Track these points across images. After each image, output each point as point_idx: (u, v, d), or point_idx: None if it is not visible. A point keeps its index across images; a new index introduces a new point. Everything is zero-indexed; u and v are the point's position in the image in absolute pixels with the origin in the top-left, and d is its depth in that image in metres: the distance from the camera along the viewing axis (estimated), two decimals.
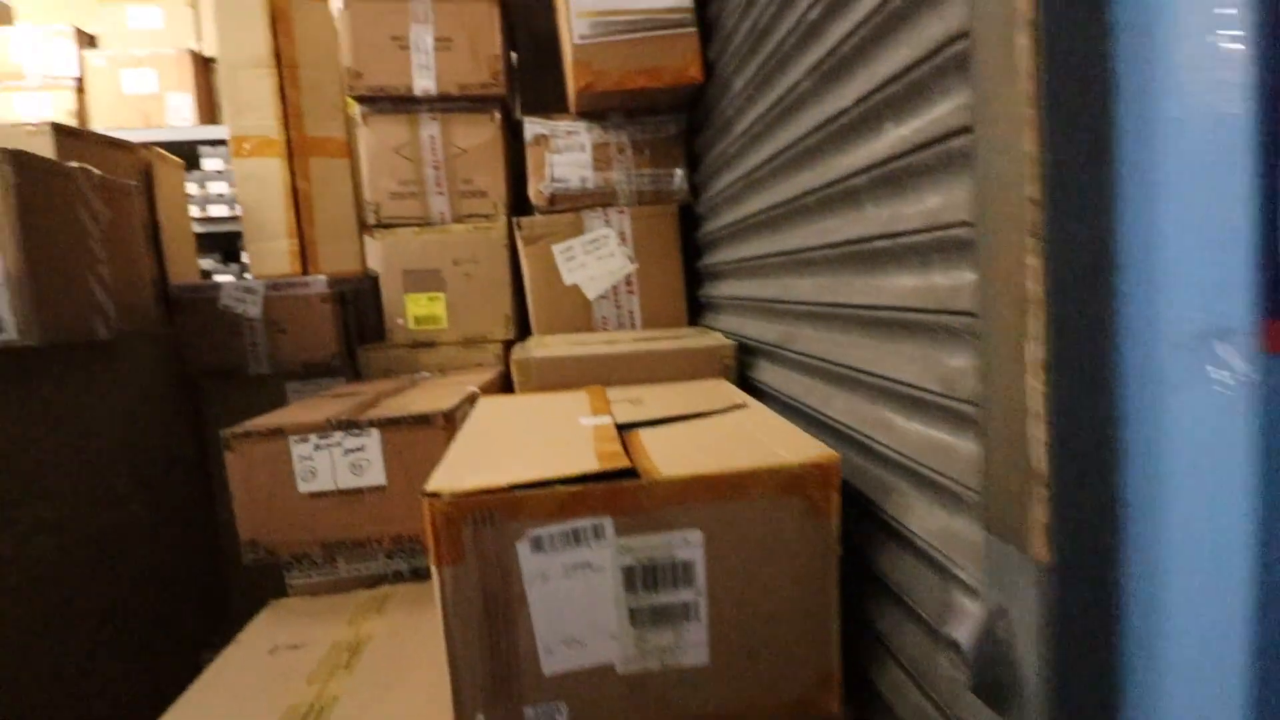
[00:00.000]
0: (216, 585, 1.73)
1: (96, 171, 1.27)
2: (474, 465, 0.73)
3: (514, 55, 2.04)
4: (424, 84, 1.64)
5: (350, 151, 1.81)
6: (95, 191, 1.27)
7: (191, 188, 2.84)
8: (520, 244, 1.56)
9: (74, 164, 1.22)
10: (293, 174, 1.75)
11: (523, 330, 1.68)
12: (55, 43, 2.97)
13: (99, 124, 2.95)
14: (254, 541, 1.17)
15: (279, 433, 1.13)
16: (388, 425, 1.11)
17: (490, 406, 1.05)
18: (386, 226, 1.65)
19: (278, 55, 1.74)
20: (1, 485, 1.15)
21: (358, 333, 1.77)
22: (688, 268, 1.62)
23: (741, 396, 0.99)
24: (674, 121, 1.57)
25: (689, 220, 1.65)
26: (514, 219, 1.59)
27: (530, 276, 1.55)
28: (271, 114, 1.74)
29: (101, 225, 1.28)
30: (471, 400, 1.25)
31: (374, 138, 1.66)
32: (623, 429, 0.86)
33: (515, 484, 0.64)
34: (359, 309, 1.78)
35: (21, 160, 1.07)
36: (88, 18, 3.08)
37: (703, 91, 1.46)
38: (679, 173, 1.57)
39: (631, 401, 1.00)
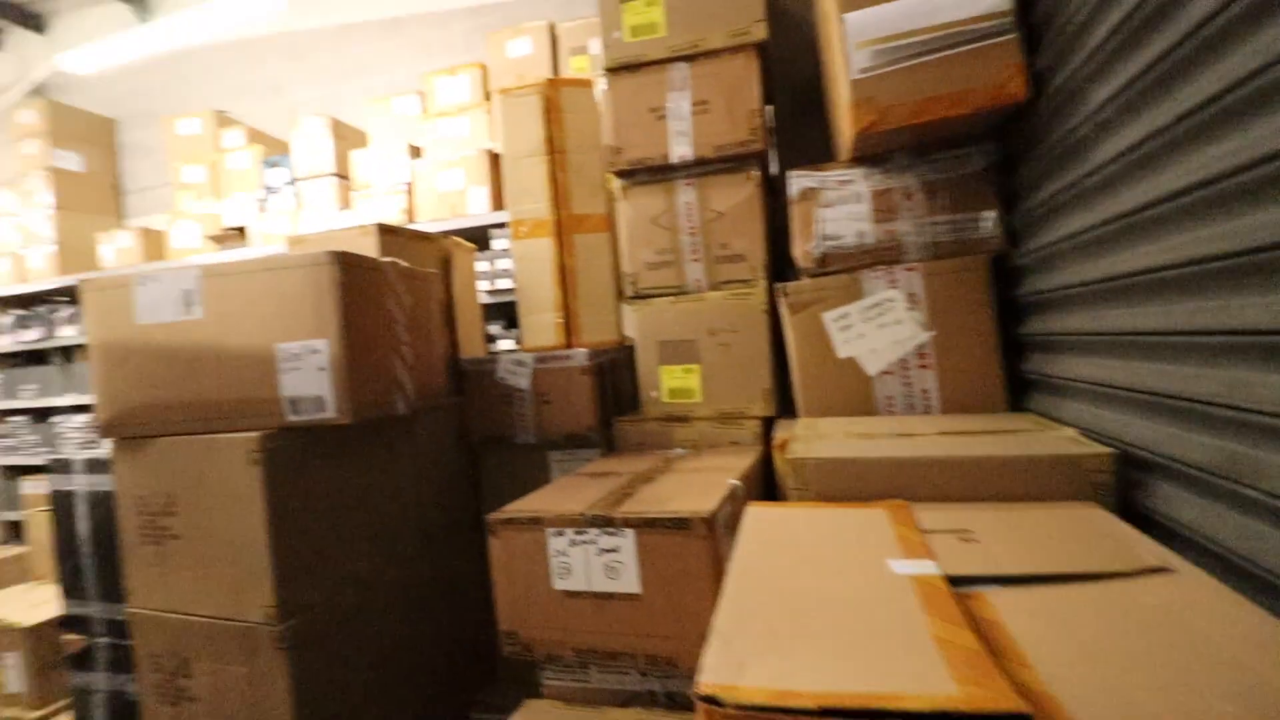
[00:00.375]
0: (486, 645, 1.79)
1: (404, 264, 1.42)
2: (757, 641, 0.54)
3: (769, 110, 1.92)
4: (680, 150, 1.59)
5: (610, 225, 1.84)
6: (402, 281, 1.41)
7: (483, 265, 3.26)
8: (784, 312, 1.38)
9: (386, 259, 1.37)
10: (560, 251, 1.82)
11: (784, 407, 1.48)
12: (396, 158, 3.70)
13: (421, 217, 3.57)
14: (512, 633, 1.13)
15: (537, 522, 1.08)
16: (644, 527, 0.99)
17: (763, 526, 0.86)
18: (643, 297, 1.61)
19: (550, 144, 1.85)
20: (321, 543, 1.29)
21: (613, 402, 1.74)
22: (1003, 335, 1.27)
23: (1150, 548, 0.65)
24: (980, 154, 1.27)
25: (1003, 275, 1.30)
26: (777, 284, 1.42)
27: (796, 349, 1.36)
28: (544, 197, 1.84)
29: (405, 310, 1.42)
30: (733, 499, 1.07)
31: (632, 210, 1.64)
32: (956, 584, 0.60)
33: (828, 707, 0.43)
34: (615, 379, 1.76)
35: (345, 260, 1.21)
36: (416, 133, 3.80)
37: (1025, 112, 1.14)
38: (989, 216, 1.25)
39: (958, 535, 0.73)
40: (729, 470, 1.20)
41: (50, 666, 2.09)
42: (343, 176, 3.92)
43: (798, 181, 1.40)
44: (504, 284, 3.28)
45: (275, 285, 1.22)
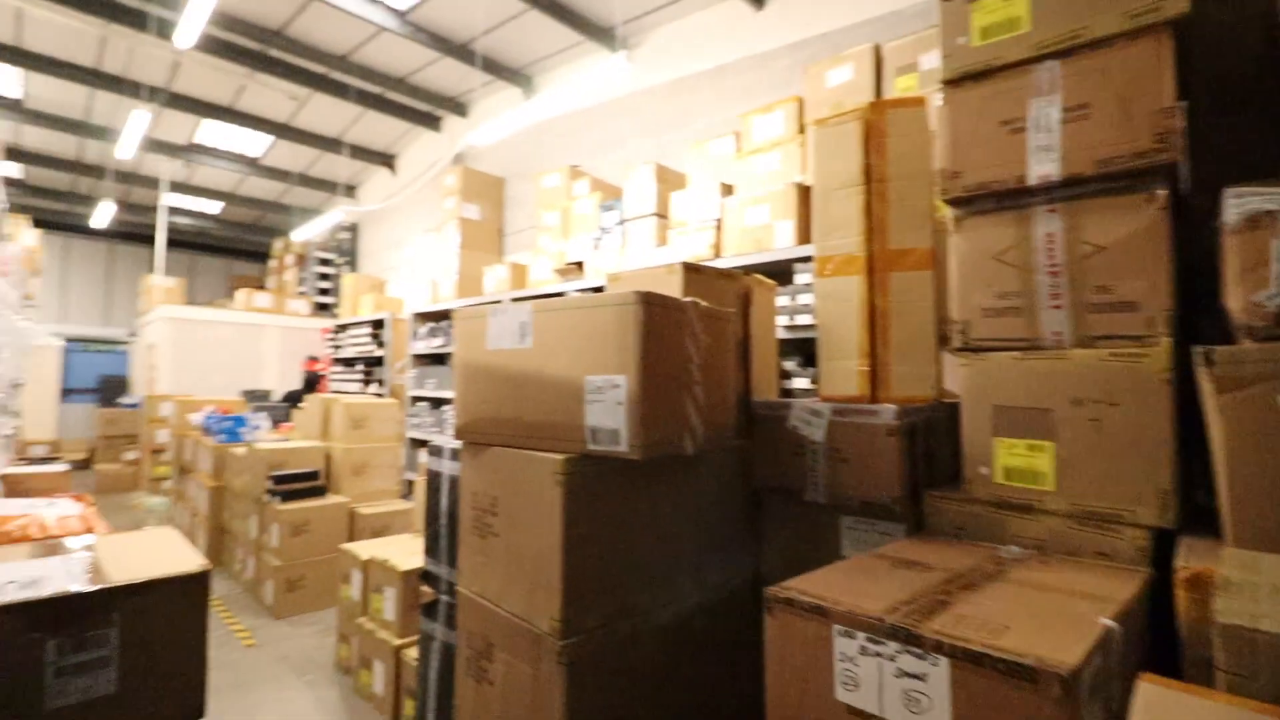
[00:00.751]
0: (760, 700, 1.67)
1: (703, 303, 1.40)
2: None
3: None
4: (1042, 169, 1.27)
5: (935, 262, 1.58)
6: (701, 320, 1.40)
7: (783, 300, 3.18)
8: (1207, 387, 0.97)
9: (688, 299, 1.37)
10: (871, 290, 1.63)
11: (1193, 516, 1.05)
12: (708, 197, 3.88)
13: (728, 251, 3.67)
14: None
15: (822, 614, 0.93)
16: (965, 661, 0.76)
17: None
18: (976, 350, 1.32)
19: (868, 173, 1.68)
20: (603, 570, 1.32)
21: (925, 472, 1.47)
22: None
23: None
24: None
25: None
26: (1194, 348, 1.01)
27: (1227, 442, 0.94)
28: (857, 230, 1.67)
29: (701, 350, 1.40)
30: (1105, 649, 0.76)
31: (968, 244, 1.37)
32: None
33: None
34: (930, 444, 1.48)
35: (649, 300, 1.23)
36: (729, 173, 3.93)
37: None
38: None
39: None
40: (1098, 600, 0.87)
41: (412, 607, 2.62)
42: (662, 216, 4.27)
43: (1241, 203, 0.98)
44: (804, 319, 3.15)
45: (589, 321, 1.30)
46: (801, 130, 3.58)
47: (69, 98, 7.40)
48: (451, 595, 1.97)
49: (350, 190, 10.21)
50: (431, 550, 2.10)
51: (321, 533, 3.80)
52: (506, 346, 1.47)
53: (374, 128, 8.24)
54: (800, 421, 1.58)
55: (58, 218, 10.76)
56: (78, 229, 11.14)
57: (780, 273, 3.48)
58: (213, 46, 6.00)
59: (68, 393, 10.39)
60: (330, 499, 3.94)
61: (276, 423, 5.49)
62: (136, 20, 5.68)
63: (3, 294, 2.10)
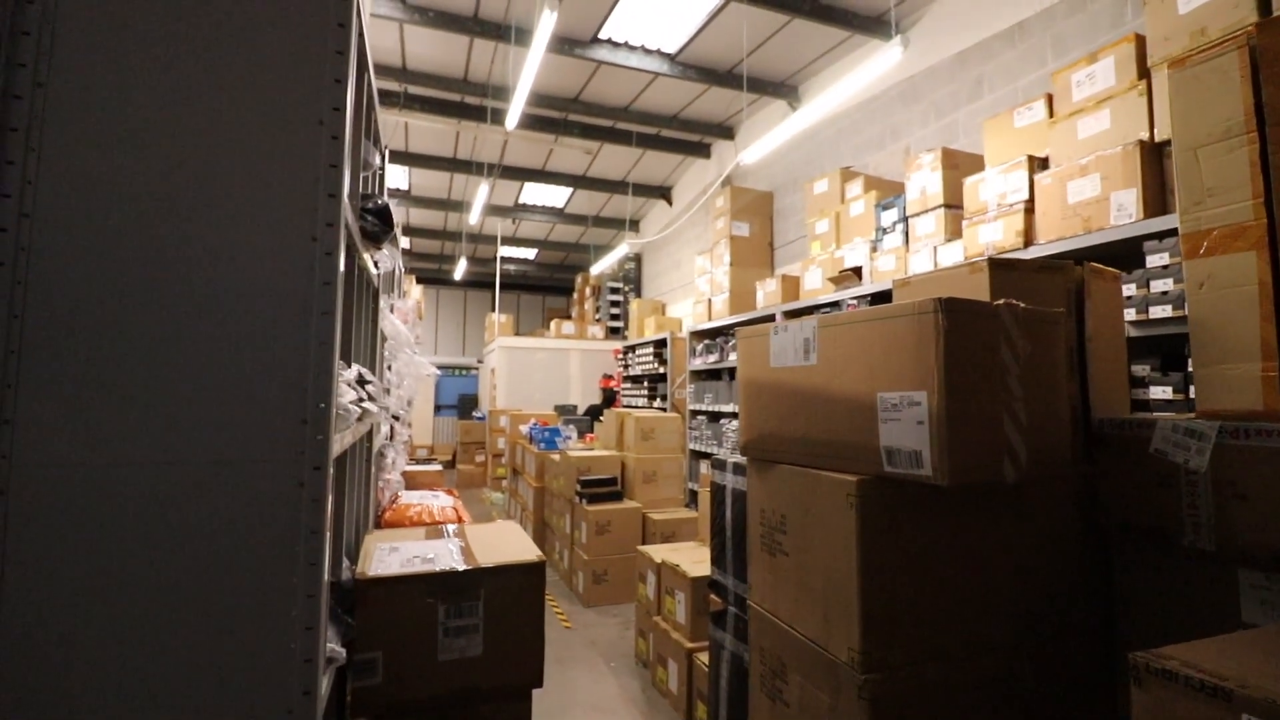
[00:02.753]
0: None
1: (1020, 305, 1.20)
2: None
3: None
4: None
5: None
6: (1017, 326, 1.20)
7: (1129, 289, 2.57)
8: None
9: (999, 302, 1.18)
10: (1275, 273, 1.21)
11: None
12: (1012, 175, 3.35)
13: (1044, 236, 3.12)
14: None
15: (1225, 697, 0.71)
16: None
17: None
18: None
19: (1259, 115, 1.26)
20: (908, 605, 1.21)
21: None
22: None
23: None
24: None
25: None
26: None
27: None
28: (1246, 192, 1.27)
29: (1020, 360, 1.20)
30: None
31: None
32: None
33: None
34: None
35: (950, 307, 1.10)
36: (1039, 144, 3.34)
37: None
38: None
39: None
40: None
41: (700, 613, 2.73)
42: (953, 206, 3.82)
43: None
44: (1160, 312, 2.49)
45: (880, 335, 1.22)
46: (1142, 76, 2.88)
47: (437, 183, 9.64)
48: (738, 607, 2.01)
49: (634, 224, 11.33)
50: (718, 561, 2.16)
51: (621, 533, 4.23)
52: (790, 364, 1.45)
53: (652, 165, 9.03)
54: (1170, 444, 1.25)
55: (431, 274, 14.04)
56: (444, 282, 14.39)
57: (1121, 256, 2.84)
58: (528, 122, 7.25)
59: (439, 408, 13.47)
60: (627, 503, 4.37)
61: (582, 433, 6.30)
62: (479, 115, 7.17)
63: (406, 336, 2.81)
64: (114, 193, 1.03)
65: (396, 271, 3.50)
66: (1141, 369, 2.58)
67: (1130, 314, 2.56)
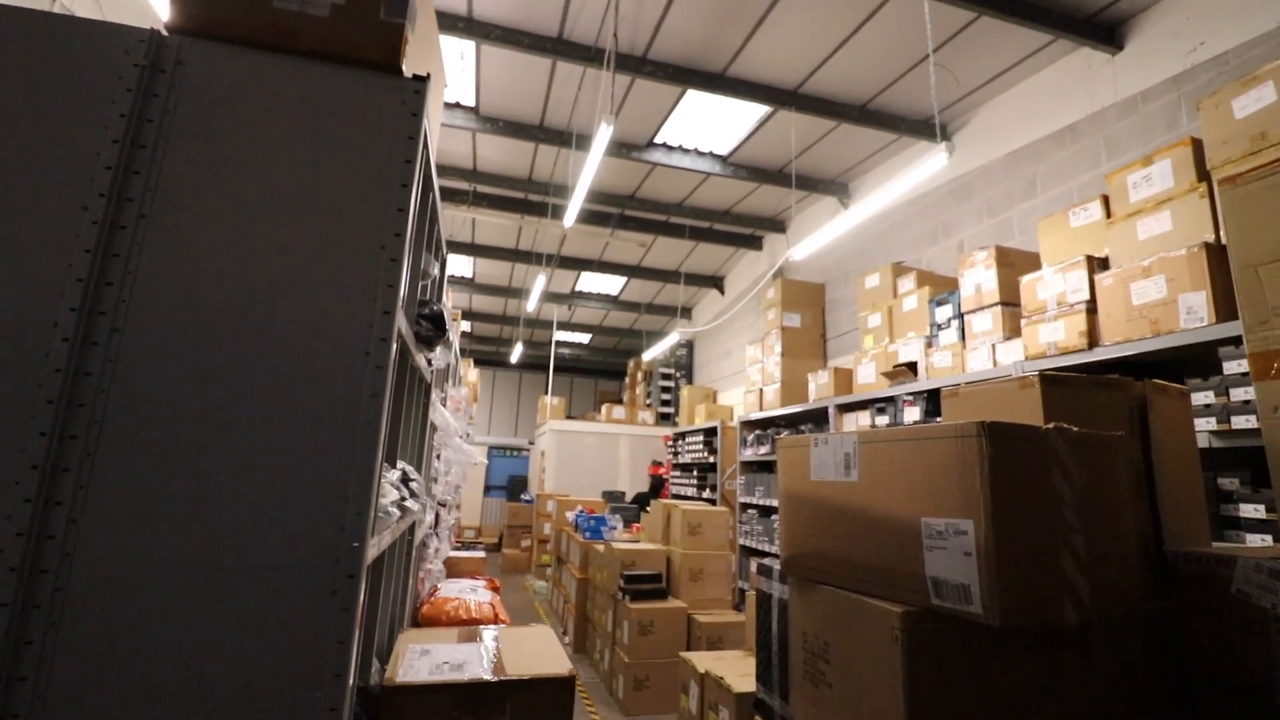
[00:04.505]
0: None
1: (1073, 430, 1.15)
2: None
3: None
4: None
5: None
6: (1071, 451, 1.14)
7: (1208, 396, 2.41)
8: None
9: (1049, 426, 1.13)
10: None
11: None
12: (1071, 275, 3.27)
13: (1109, 338, 2.99)
14: None
15: None
16: None
17: None
18: None
19: None
20: None
21: None
22: None
23: None
24: None
25: None
26: None
27: None
28: None
29: (1076, 488, 1.13)
30: None
31: None
32: None
33: None
34: None
35: (996, 432, 1.06)
36: (1098, 244, 3.28)
37: None
38: None
39: None
40: None
41: None
42: (1010, 304, 3.75)
43: None
44: (1243, 422, 2.32)
45: (923, 455, 1.18)
46: (1202, 179, 2.82)
47: (499, 271, 10.17)
48: None
49: (686, 312, 11.53)
50: (763, 678, 2.03)
51: (664, 634, 4.04)
52: (830, 478, 1.41)
53: (704, 256, 9.29)
54: (1254, 586, 1.13)
55: (487, 357, 14.53)
56: (500, 364, 14.85)
57: (1196, 360, 2.69)
58: (586, 217, 7.65)
59: (489, 489, 13.53)
60: (671, 602, 4.20)
61: (628, 523, 6.18)
62: (540, 210, 7.63)
63: (454, 427, 2.89)
64: (188, 316, 1.13)
65: (452, 363, 3.65)
66: (1229, 483, 2.37)
67: (1210, 424, 2.39)
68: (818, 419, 5.36)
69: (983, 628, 1.05)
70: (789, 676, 1.74)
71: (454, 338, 3.73)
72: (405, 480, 1.63)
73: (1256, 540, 2.25)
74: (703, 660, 2.99)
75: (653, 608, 4.08)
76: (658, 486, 8.69)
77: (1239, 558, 1.17)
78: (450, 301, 5.85)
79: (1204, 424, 2.41)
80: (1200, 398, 2.43)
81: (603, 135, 4.40)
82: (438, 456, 2.87)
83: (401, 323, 1.39)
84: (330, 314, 1.18)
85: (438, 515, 3.18)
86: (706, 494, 7.41)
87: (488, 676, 1.52)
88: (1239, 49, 3.41)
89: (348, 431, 1.14)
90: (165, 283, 1.14)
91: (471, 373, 7.90)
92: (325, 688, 1.05)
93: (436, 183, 1.96)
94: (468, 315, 12.31)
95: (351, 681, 1.11)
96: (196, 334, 1.13)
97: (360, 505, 1.12)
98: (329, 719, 1.03)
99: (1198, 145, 2.87)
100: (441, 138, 6.20)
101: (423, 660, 1.60)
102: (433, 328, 1.67)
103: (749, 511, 6.00)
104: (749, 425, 6.43)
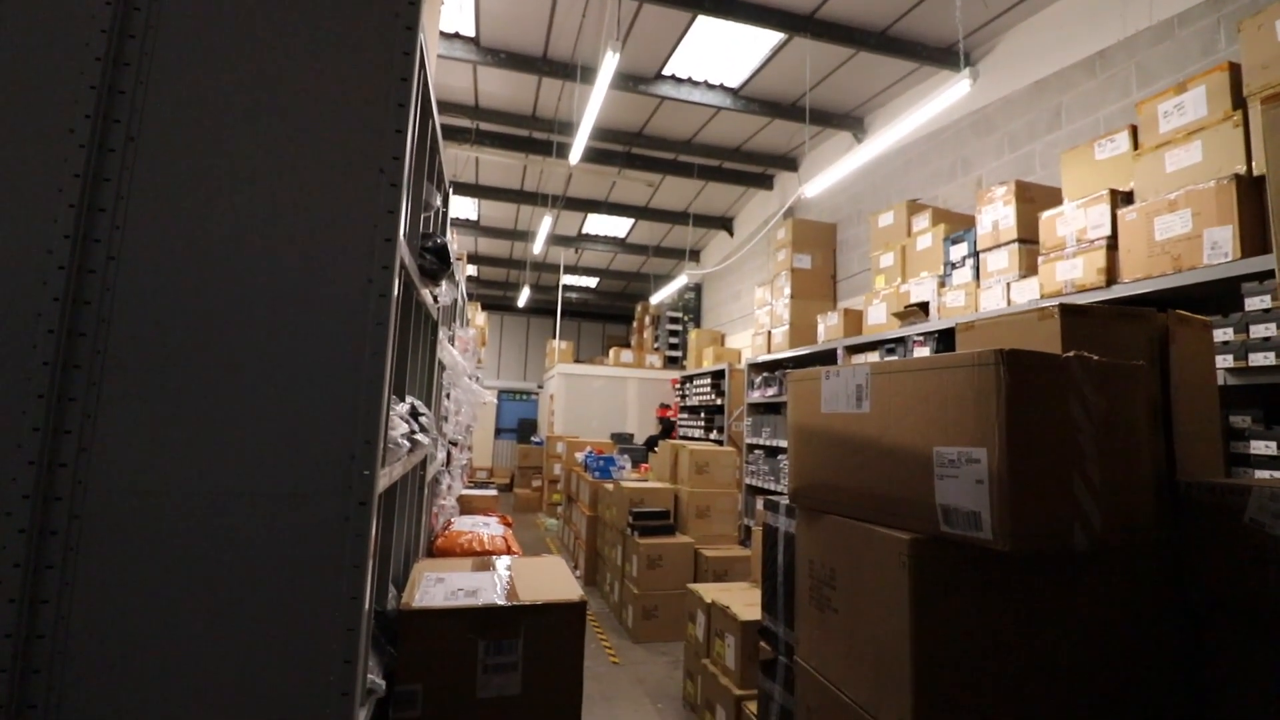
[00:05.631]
0: None
1: (1093, 358, 1.12)
2: None
3: None
4: None
5: None
6: (1090, 380, 1.11)
7: (1226, 334, 2.37)
8: None
9: (1069, 354, 1.10)
10: None
11: None
12: (1093, 210, 3.17)
13: (1129, 274, 2.92)
14: None
15: None
16: None
17: None
18: None
19: None
20: (964, 680, 1.12)
21: None
22: None
23: None
24: None
25: None
26: None
27: None
28: None
29: (1093, 417, 1.11)
30: None
31: None
32: None
33: None
34: None
35: (1014, 360, 1.03)
36: (1124, 177, 3.15)
37: None
38: None
39: None
40: None
41: (751, 659, 2.63)
42: (1027, 241, 3.65)
43: None
44: (1261, 360, 2.28)
45: (937, 385, 1.15)
46: (1237, 106, 2.68)
47: (504, 214, 10.00)
48: (789, 657, 1.92)
49: (695, 255, 11.37)
50: (769, 607, 2.08)
51: (672, 568, 4.15)
52: (842, 410, 1.40)
53: (713, 197, 9.07)
54: (1268, 515, 1.12)
55: (495, 301, 14.48)
56: (508, 309, 14.81)
57: (1216, 297, 2.62)
58: (592, 156, 7.44)
59: (499, 431, 13.75)
60: (679, 538, 4.30)
61: (636, 463, 6.28)
62: (545, 149, 7.42)
63: (463, 365, 2.89)
64: (189, 239, 1.11)
65: (459, 302, 3.63)
66: (1242, 420, 2.35)
67: (1228, 361, 2.35)
68: (826, 361, 5.34)
69: (991, 554, 1.06)
70: (794, 604, 1.78)
71: (460, 277, 3.70)
72: (415, 414, 1.63)
73: (1265, 475, 2.24)
74: (709, 591, 3.07)
75: (661, 543, 4.18)
76: (668, 428, 8.79)
77: (1254, 487, 1.15)
78: (456, 244, 5.79)
79: (1222, 361, 2.37)
80: (1219, 334, 2.38)
81: (608, 64, 4.22)
82: (447, 396, 2.88)
83: (404, 252, 1.36)
84: (330, 240, 1.15)
85: (449, 454, 3.22)
86: (714, 435, 7.49)
87: (501, 601, 1.56)
88: None
89: (354, 361, 1.12)
90: (157, 207, 1.10)
91: (479, 316, 7.89)
92: (342, 610, 1.07)
93: (436, 112, 1.88)
94: (474, 259, 12.20)
95: (367, 605, 1.13)
96: (194, 259, 1.10)
97: (369, 434, 1.11)
98: (347, 639, 1.06)
99: (1235, 71, 2.72)
100: (442, 71, 5.98)
101: (438, 587, 1.64)
102: (437, 260, 1.64)
103: (755, 452, 6.07)
104: (756, 368, 6.42)
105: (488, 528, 2.66)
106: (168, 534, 1.04)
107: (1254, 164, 2.57)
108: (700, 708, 2.90)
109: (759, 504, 5.15)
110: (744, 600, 2.88)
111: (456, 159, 7.84)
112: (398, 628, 1.46)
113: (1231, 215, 2.53)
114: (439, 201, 1.94)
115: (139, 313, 1.07)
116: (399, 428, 1.42)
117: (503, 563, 2.00)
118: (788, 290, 6.23)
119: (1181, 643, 1.23)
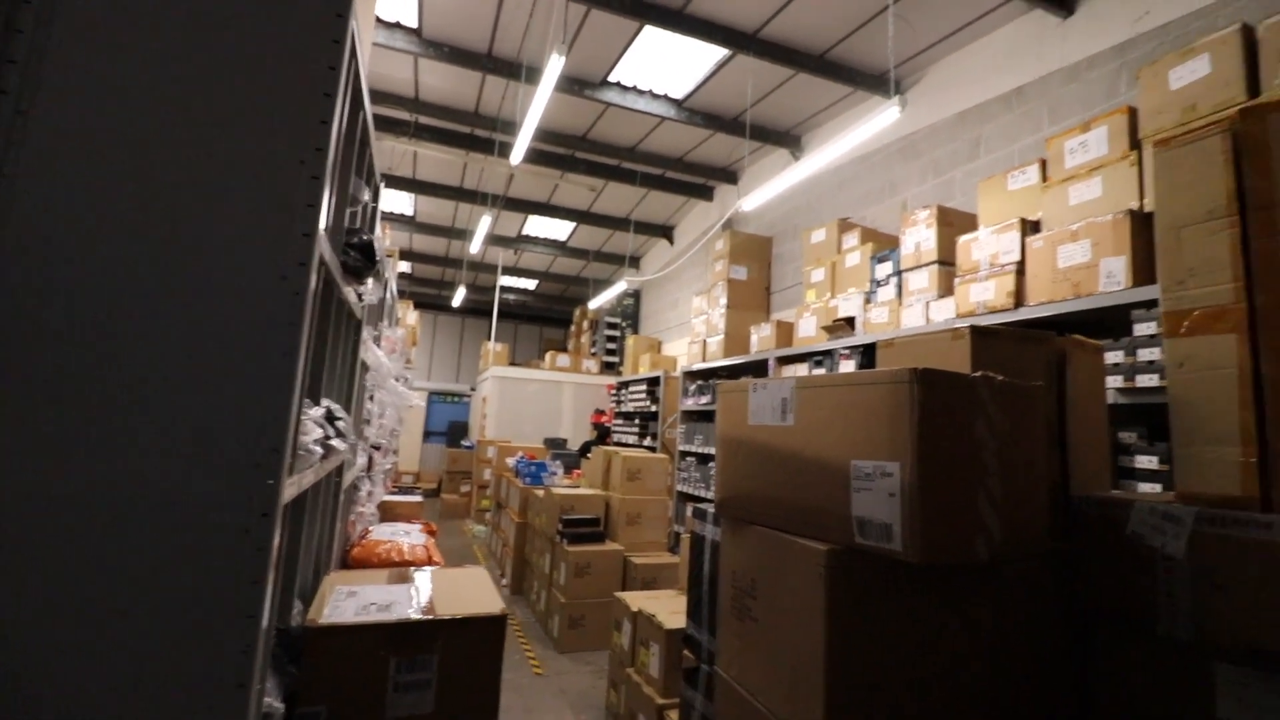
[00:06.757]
0: None
1: (998, 379, 1.18)
2: None
3: None
4: None
5: None
6: (995, 399, 1.18)
7: (1117, 356, 2.57)
8: None
9: (977, 374, 1.17)
10: (1254, 358, 1.20)
11: None
12: (1004, 236, 3.38)
13: (1034, 298, 3.13)
14: None
15: None
16: None
17: None
18: None
19: (1241, 199, 1.27)
20: (874, 689, 1.16)
21: None
22: None
23: None
24: None
25: None
26: None
27: None
28: (1225, 277, 1.26)
29: (997, 435, 1.18)
30: None
31: None
32: None
33: None
34: None
35: (927, 378, 1.08)
36: (1033, 207, 3.38)
37: None
38: None
39: None
40: None
41: (675, 668, 2.64)
42: (946, 263, 3.85)
43: None
44: (1148, 380, 2.48)
45: (856, 400, 1.19)
46: (1134, 147, 2.93)
47: (441, 210, 9.74)
48: (712, 665, 1.93)
49: (635, 261, 11.42)
50: (694, 614, 2.09)
51: (601, 576, 4.13)
52: (767, 422, 1.42)
53: (655, 205, 9.14)
54: (1147, 527, 1.21)
55: (429, 300, 14.07)
56: (442, 308, 14.42)
57: (1109, 321, 2.84)
58: (535, 157, 7.36)
59: (428, 434, 13.33)
60: (609, 545, 4.28)
61: (569, 469, 6.22)
62: (486, 147, 7.28)
63: (389, 367, 2.78)
64: (80, 228, 1.01)
65: (388, 300, 3.49)
66: (1129, 436, 2.56)
67: (1117, 381, 2.55)
68: (758, 371, 5.46)
69: (901, 566, 1.10)
70: (717, 613, 1.79)
71: (390, 274, 3.56)
72: (331, 418, 1.55)
73: (1148, 488, 2.44)
74: (636, 599, 3.07)
75: (590, 550, 4.15)
76: (604, 434, 8.76)
77: (1135, 502, 1.25)
78: (388, 239, 5.57)
79: (1111, 381, 2.56)
80: (1110, 357, 2.58)
81: (554, 66, 4.19)
82: (371, 398, 2.77)
83: (325, 249, 1.29)
84: (242, 233, 1.07)
85: (371, 458, 3.09)
86: (648, 442, 7.52)
87: (417, 616, 1.50)
88: (1182, 20, 3.51)
89: (262, 362, 1.06)
90: (46, 192, 1.00)
91: (411, 315, 7.63)
92: (237, 628, 1.00)
93: (369, 103, 1.81)
94: (407, 255, 11.82)
95: (265, 623, 1.06)
96: (86, 250, 1.01)
97: (276, 441, 1.05)
98: (241, 660, 0.99)
99: (1133, 114, 2.97)
100: (381, 61, 5.78)
101: (349, 601, 1.56)
102: (362, 257, 1.57)
103: (688, 459, 6.13)
104: (691, 376, 6.50)
105: (408, 536, 2.56)
106: (50, 544, 0.95)
107: (1146, 201, 2.81)
108: (623, 717, 2.89)
109: (689, 510, 5.20)
110: (670, 608, 2.90)
111: (393, 151, 7.59)
112: (302, 645, 1.38)
113: (1125, 247, 2.75)
114: (368, 196, 1.86)
115: (22, 307, 0.97)
116: (312, 433, 1.35)
117: (422, 575, 1.93)
118: (724, 300, 6.34)
119: (1069, 648, 1.32)
